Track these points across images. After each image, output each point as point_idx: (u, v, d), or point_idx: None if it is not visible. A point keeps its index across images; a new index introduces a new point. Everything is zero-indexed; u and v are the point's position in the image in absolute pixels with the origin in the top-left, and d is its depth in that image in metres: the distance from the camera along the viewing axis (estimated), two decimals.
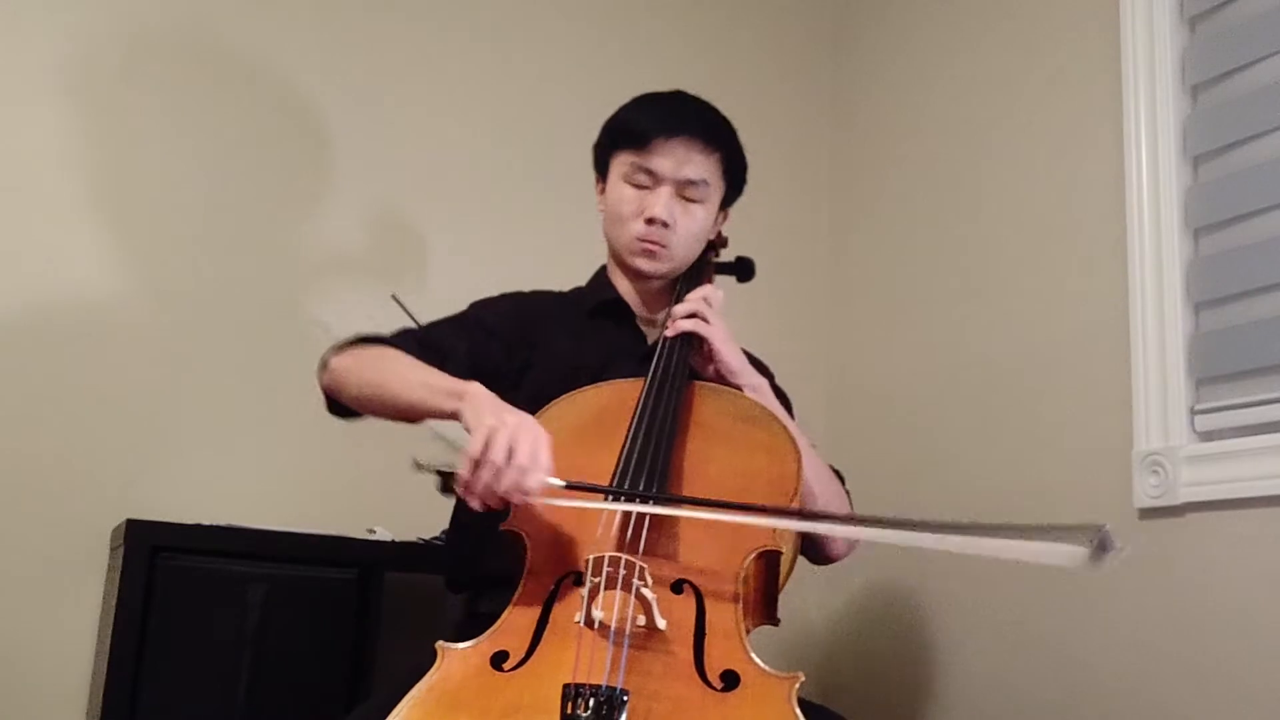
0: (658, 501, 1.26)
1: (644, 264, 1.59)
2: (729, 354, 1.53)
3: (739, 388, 1.54)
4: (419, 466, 1.24)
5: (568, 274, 1.75)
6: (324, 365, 1.52)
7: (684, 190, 1.58)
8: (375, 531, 1.99)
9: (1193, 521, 1.75)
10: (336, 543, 1.91)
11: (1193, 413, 1.79)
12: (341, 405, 1.51)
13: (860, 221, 2.61)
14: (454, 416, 1.32)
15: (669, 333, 1.52)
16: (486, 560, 1.39)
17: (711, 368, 1.53)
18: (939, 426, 2.26)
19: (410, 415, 1.44)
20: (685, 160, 1.57)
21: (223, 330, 2.13)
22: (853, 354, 2.55)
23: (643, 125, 1.58)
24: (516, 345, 1.58)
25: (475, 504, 1.23)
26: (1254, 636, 1.63)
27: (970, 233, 2.27)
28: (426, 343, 1.53)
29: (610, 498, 1.27)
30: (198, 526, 1.83)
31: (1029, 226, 2.13)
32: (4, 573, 1.92)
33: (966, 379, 2.21)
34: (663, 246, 1.58)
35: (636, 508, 1.25)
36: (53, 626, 1.92)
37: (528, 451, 1.21)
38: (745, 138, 2.76)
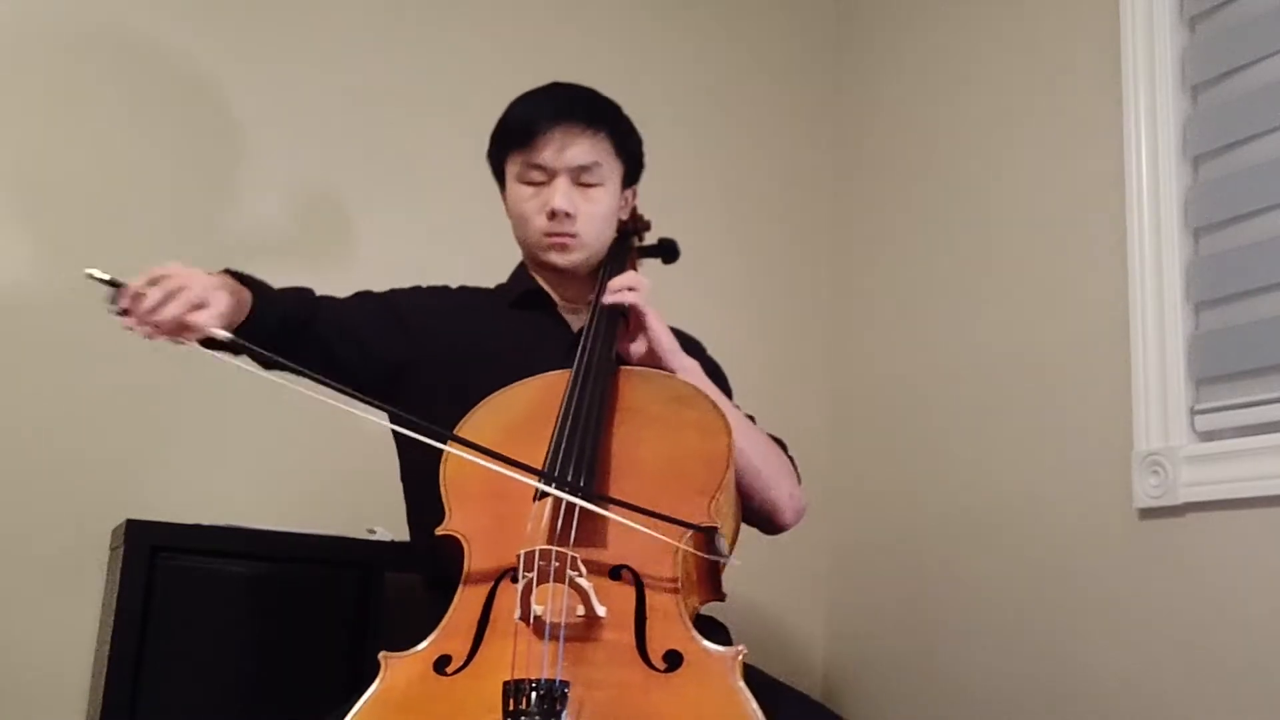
0: (585, 497, 1.25)
1: (558, 258, 1.59)
2: (663, 332, 1.52)
3: (670, 369, 1.53)
4: (90, 275, 1.25)
5: (497, 255, 1.72)
6: None
7: (578, 176, 1.57)
8: (375, 531, 1.99)
9: (1193, 521, 1.75)
10: (336, 543, 1.91)
11: (1193, 413, 1.79)
12: None
13: (861, 222, 2.61)
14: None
15: (606, 299, 1.51)
16: (440, 561, 1.39)
17: (643, 344, 1.52)
18: (939, 426, 2.26)
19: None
20: (570, 146, 1.56)
21: None
22: (854, 353, 2.55)
23: (523, 122, 1.58)
24: (433, 340, 1.58)
25: (131, 323, 1.26)
26: (1254, 636, 1.63)
27: (970, 232, 2.27)
28: (304, 297, 1.56)
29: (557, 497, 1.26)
30: (198, 526, 1.83)
31: (1029, 226, 2.13)
32: (4, 573, 1.92)
33: (967, 379, 2.21)
34: (571, 236, 1.57)
35: (566, 495, 1.24)
36: (53, 626, 1.92)
37: (200, 292, 1.26)
38: (747, 137, 2.76)
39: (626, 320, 1.54)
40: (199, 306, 1.26)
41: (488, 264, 1.72)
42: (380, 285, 1.66)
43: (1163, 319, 1.83)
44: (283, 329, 1.47)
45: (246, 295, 1.43)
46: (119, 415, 2.03)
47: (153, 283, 1.25)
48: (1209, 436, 1.78)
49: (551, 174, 1.57)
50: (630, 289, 1.52)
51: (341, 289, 1.64)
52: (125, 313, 1.25)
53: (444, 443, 1.31)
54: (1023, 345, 2.10)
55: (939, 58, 2.44)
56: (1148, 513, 1.81)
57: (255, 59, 2.26)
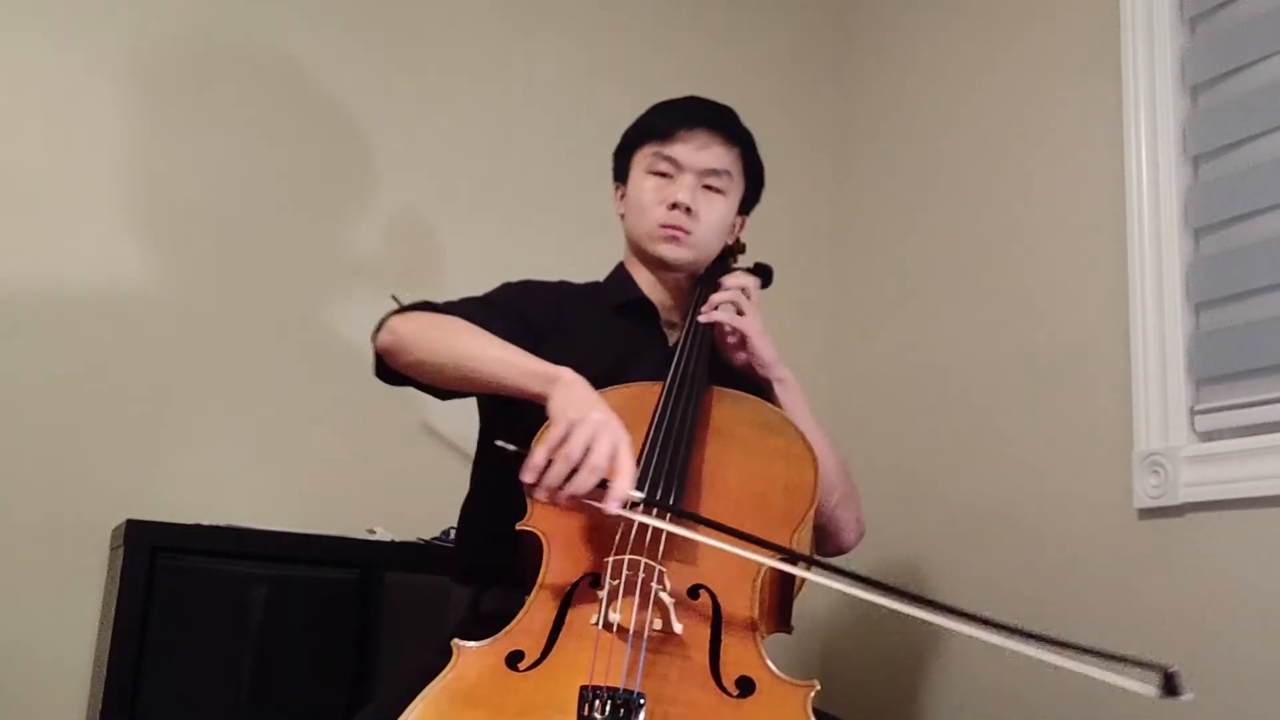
0: (678, 521, 1.24)
1: (667, 250, 1.59)
2: (762, 345, 1.53)
3: (769, 380, 1.54)
4: (501, 446, 1.21)
5: (580, 276, 1.74)
6: (382, 327, 1.48)
7: (706, 179, 1.59)
8: (375, 531, 1.99)
9: (1193, 521, 1.75)
10: (337, 543, 1.91)
11: (1193, 413, 1.79)
12: (392, 369, 1.48)
13: (861, 222, 2.61)
14: (539, 399, 1.30)
15: (702, 318, 1.52)
16: (495, 556, 1.38)
17: (742, 356, 1.54)
18: (939, 426, 2.26)
19: (481, 388, 1.42)
20: (708, 148, 1.59)
21: (223, 330, 2.13)
22: (854, 353, 2.55)
23: (666, 119, 1.61)
24: (548, 334, 1.56)
25: (542, 496, 1.21)
26: (1254, 636, 1.63)
27: (970, 232, 2.27)
28: (475, 320, 1.50)
29: (647, 510, 1.24)
30: (198, 526, 1.83)
31: (1029, 226, 2.13)
32: (4, 573, 1.92)
33: (967, 379, 2.21)
34: (686, 233, 1.58)
35: (653, 521, 1.23)
36: (53, 626, 1.92)
37: (605, 452, 1.19)
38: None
39: (725, 330, 1.54)
40: (612, 469, 1.19)
41: (577, 279, 1.73)
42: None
43: (1163, 319, 1.82)
44: None
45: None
46: (119, 415, 2.03)
47: (556, 454, 1.19)
48: (1209, 436, 1.78)
49: (680, 170, 1.58)
50: (734, 301, 1.53)
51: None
52: (534, 485, 1.20)
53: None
54: (1023, 345, 2.10)
55: (939, 57, 2.44)
56: (1148, 513, 1.81)
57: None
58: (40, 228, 2.04)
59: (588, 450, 1.19)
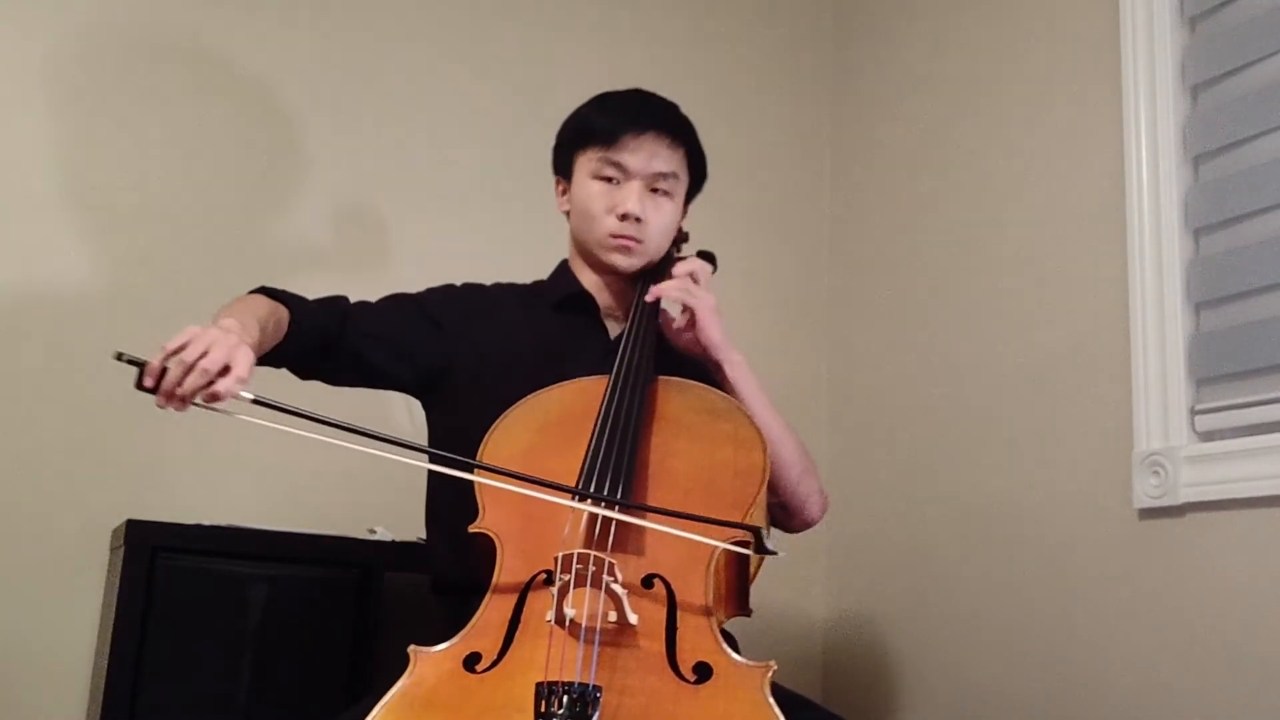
0: (627, 510, 1.26)
1: (620, 259, 1.60)
2: (711, 324, 1.54)
3: (717, 362, 1.55)
4: (119, 356, 1.25)
5: (532, 269, 1.75)
6: None
7: (654, 183, 1.59)
8: (375, 531, 1.99)
9: (1193, 521, 1.75)
10: (337, 543, 1.91)
11: (1193, 413, 1.79)
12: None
13: (860, 223, 2.61)
14: None
15: (649, 296, 1.54)
16: (461, 565, 1.39)
17: (690, 335, 1.54)
18: (939, 427, 2.26)
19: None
20: (655, 154, 1.59)
21: None
22: (854, 354, 2.55)
23: (610, 122, 1.60)
24: (468, 339, 1.59)
25: (160, 401, 1.24)
26: (1255, 637, 1.63)
27: (970, 233, 2.27)
28: (335, 308, 1.56)
29: (607, 505, 1.27)
30: (198, 526, 1.83)
31: (1029, 226, 2.13)
32: (4, 573, 1.92)
33: (967, 380, 2.21)
34: (638, 241, 1.59)
35: (602, 511, 1.25)
36: (53, 626, 1.92)
37: (218, 357, 1.23)
38: (744, 139, 2.77)
39: (677, 312, 1.55)
40: (223, 372, 1.24)
41: (525, 272, 1.74)
42: (417, 289, 1.66)
43: (1163, 319, 1.82)
44: (320, 341, 1.51)
45: (284, 314, 1.46)
46: (120, 415, 2.03)
47: (172, 355, 1.24)
48: (1209, 436, 1.78)
49: (628, 176, 1.58)
50: (684, 286, 1.54)
51: (379, 294, 1.66)
52: (153, 389, 1.24)
53: (470, 471, 1.31)
54: (1023, 345, 2.10)
55: (938, 59, 2.44)
56: (1148, 513, 1.81)
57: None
58: (36, 228, 2.04)
59: (204, 354, 1.23)
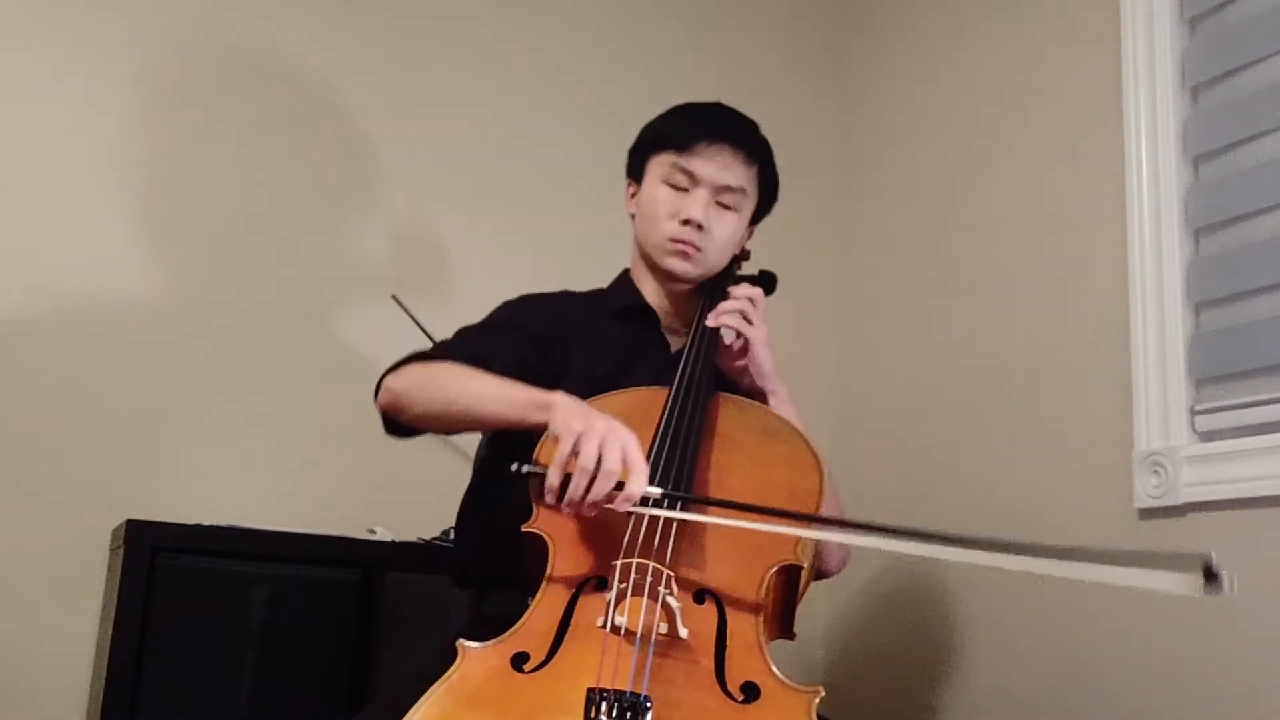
0: (685, 507, 1.26)
1: (676, 264, 1.58)
2: (763, 355, 1.54)
3: (763, 392, 1.54)
4: (517, 471, 1.23)
5: (584, 283, 1.73)
6: (380, 388, 1.48)
7: (721, 196, 1.57)
8: (376, 531, 1.99)
9: (1193, 521, 1.75)
10: (337, 543, 1.91)
11: (1193, 413, 1.79)
12: (400, 424, 1.48)
13: (862, 223, 2.61)
14: (540, 426, 1.30)
15: (710, 321, 1.52)
16: (495, 559, 1.38)
17: (741, 364, 1.54)
18: (941, 427, 2.26)
19: (486, 427, 1.46)
20: (727, 166, 1.57)
21: (224, 330, 2.13)
22: (856, 355, 2.55)
23: (687, 129, 1.59)
24: (551, 347, 1.56)
25: (567, 511, 1.22)
26: (1254, 637, 1.63)
27: (971, 233, 2.27)
28: (470, 354, 1.49)
29: (670, 504, 1.26)
30: (198, 526, 1.83)
31: (1029, 226, 2.13)
32: (4, 573, 1.92)
33: (968, 379, 2.21)
34: (696, 249, 1.57)
35: (664, 512, 1.25)
36: (53, 626, 1.92)
37: (616, 456, 1.20)
38: None
39: (731, 338, 1.54)
40: (625, 470, 1.20)
41: (580, 283, 1.72)
42: (474, 313, 1.64)
43: (1163, 319, 1.83)
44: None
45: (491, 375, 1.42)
46: (120, 415, 2.03)
47: (570, 466, 1.20)
48: (1209, 436, 1.78)
49: (697, 184, 1.57)
50: (743, 311, 1.53)
51: (440, 316, 1.65)
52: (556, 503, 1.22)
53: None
54: (1023, 345, 2.10)
55: (939, 58, 2.44)
56: (1148, 513, 1.81)
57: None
58: (42, 233, 2.04)
59: (600, 457, 1.20)
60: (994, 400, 2.14)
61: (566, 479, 1.21)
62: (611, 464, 1.20)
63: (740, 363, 1.54)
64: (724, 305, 1.54)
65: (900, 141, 2.51)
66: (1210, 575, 1.00)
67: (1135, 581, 1.00)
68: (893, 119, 2.55)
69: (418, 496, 1.97)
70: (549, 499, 1.22)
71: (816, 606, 2.39)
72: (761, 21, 2.73)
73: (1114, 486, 1.85)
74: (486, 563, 1.47)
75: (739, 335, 1.53)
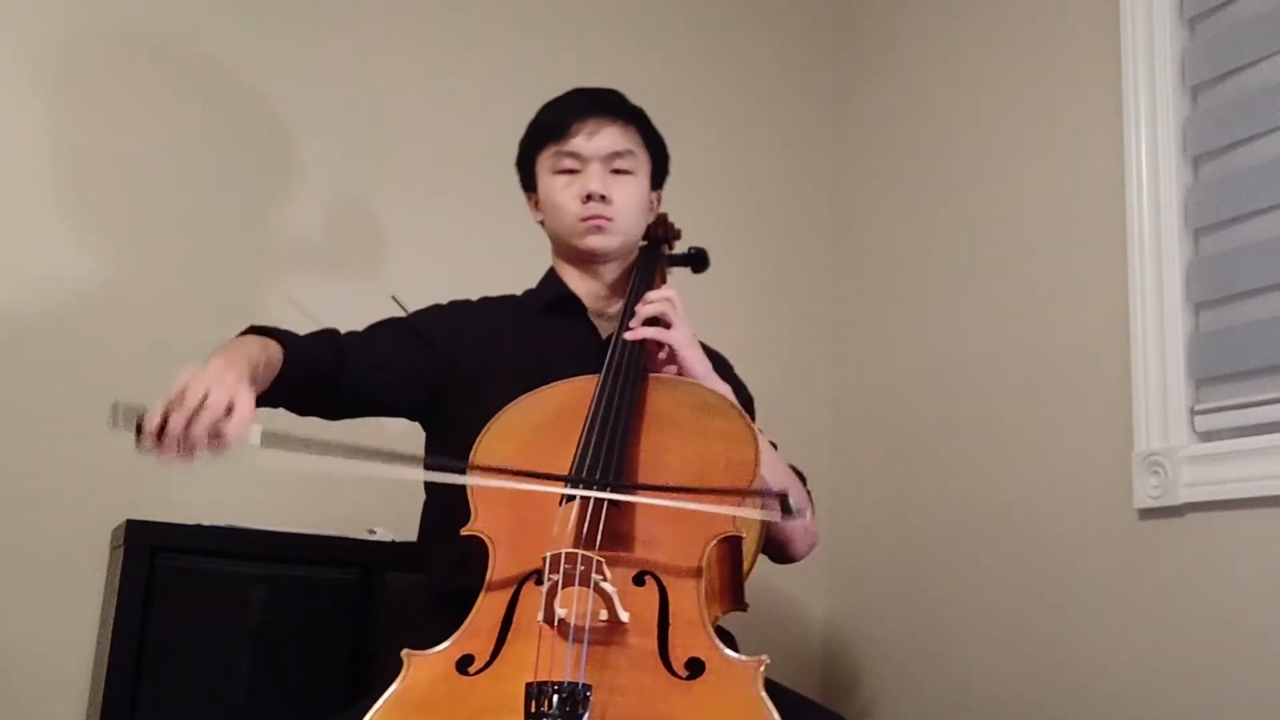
0: (614, 492, 1.27)
1: (595, 240, 1.61)
2: (693, 360, 1.52)
3: None
4: (114, 412, 1.22)
5: (529, 271, 1.75)
6: None
7: (612, 163, 1.62)
8: (375, 532, 1.99)
9: (1193, 521, 1.75)
10: (337, 543, 1.91)
11: (1193, 413, 1.79)
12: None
13: (861, 222, 2.61)
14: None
15: (629, 336, 1.50)
16: (467, 575, 1.38)
17: (673, 369, 1.52)
18: (940, 426, 2.26)
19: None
20: (605, 134, 1.62)
21: (224, 330, 2.12)
22: (854, 354, 2.56)
23: (557, 117, 1.64)
24: (459, 354, 1.60)
25: (169, 456, 1.22)
26: (1254, 637, 1.63)
27: (970, 233, 2.27)
28: (329, 341, 1.56)
29: (600, 490, 1.27)
30: (198, 526, 1.83)
31: (1029, 226, 2.13)
32: (4, 573, 1.91)
33: (967, 379, 2.21)
34: (608, 219, 1.60)
35: (594, 493, 1.26)
36: (53, 626, 1.92)
37: (222, 397, 1.21)
38: (747, 140, 2.77)
39: (654, 345, 1.53)
40: (227, 412, 1.22)
41: (519, 275, 1.74)
42: (412, 293, 1.66)
43: (1163, 319, 1.83)
44: (316, 376, 1.51)
45: (276, 350, 1.46)
46: None
47: (173, 406, 1.21)
48: (1209, 436, 1.78)
49: (584, 161, 1.61)
50: (661, 315, 1.51)
51: (373, 298, 1.66)
52: (156, 445, 1.21)
53: (463, 473, 1.32)
54: (1023, 345, 2.10)
55: (939, 58, 2.44)
56: (1148, 513, 1.81)
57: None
58: (38, 229, 2.03)
59: (204, 398, 1.21)
60: (993, 400, 2.14)
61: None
62: (213, 405, 1.20)
63: (671, 369, 1.52)
64: (641, 310, 1.52)
65: (899, 141, 2.51)
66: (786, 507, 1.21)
67: None
68: (891, 118, 2.55)
69: (417, 496, 1.96)
70: (148, 443, 1.20)
71: (817, 606, 2.40)
72: (758, 18, 2.72)
73: (1114, 487, 1.86)
74: (455, 580, 1.47)
75: (660, 345, 1.51)
